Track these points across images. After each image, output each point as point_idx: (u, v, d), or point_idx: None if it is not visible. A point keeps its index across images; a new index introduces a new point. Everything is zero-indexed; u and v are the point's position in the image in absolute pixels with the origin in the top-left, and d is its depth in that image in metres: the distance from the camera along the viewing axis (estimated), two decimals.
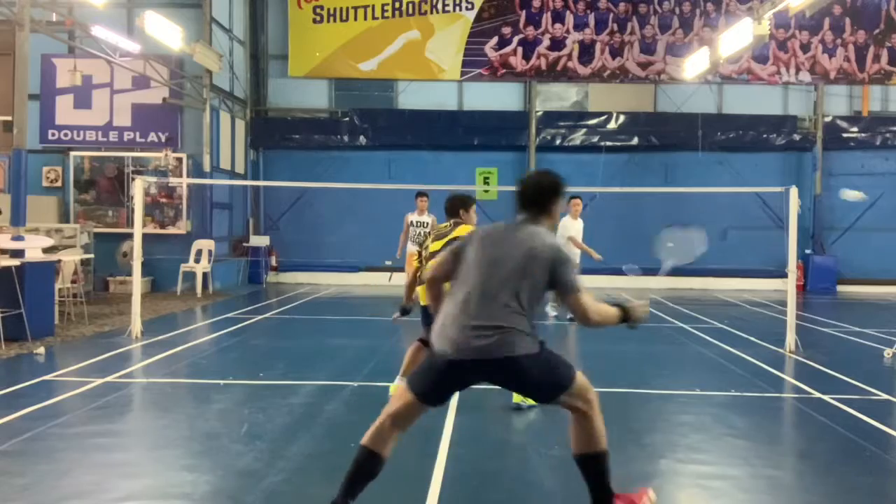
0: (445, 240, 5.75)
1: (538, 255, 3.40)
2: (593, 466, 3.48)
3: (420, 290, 5.78)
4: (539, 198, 3.58)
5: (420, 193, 11.65)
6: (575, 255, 11.15)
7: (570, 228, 11.17)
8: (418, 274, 5.87)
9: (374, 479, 3.45)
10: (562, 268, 3.40)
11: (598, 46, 18.09)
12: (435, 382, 3.46)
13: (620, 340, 9.91)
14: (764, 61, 18.01)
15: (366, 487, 3.42)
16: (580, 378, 3.45)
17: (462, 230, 5.75)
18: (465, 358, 3.34)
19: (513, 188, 3.65)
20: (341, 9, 18.12)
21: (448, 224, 6.03)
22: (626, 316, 3.47)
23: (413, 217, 11.83)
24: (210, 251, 14.64)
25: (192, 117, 15.38)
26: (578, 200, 11.49)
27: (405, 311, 5.94)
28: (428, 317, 5.65)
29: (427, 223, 11.61)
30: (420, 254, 6.02)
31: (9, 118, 13.91)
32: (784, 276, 9.42)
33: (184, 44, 13.38)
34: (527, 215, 3.56)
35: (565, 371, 3.43)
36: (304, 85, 18.45)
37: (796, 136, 18.03)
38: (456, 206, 6.09)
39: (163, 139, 15.26)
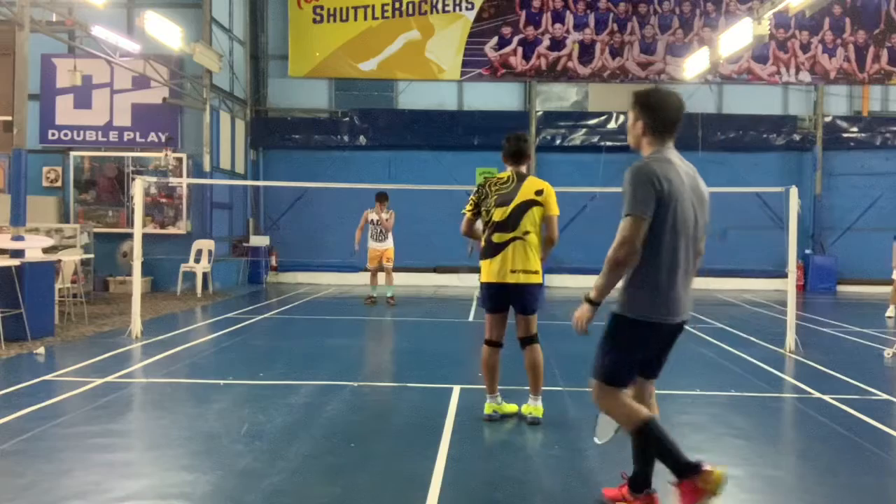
0: (514, 204, 5.01)
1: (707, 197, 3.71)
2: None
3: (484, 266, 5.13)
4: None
5: (381, 195, 12.43)
6: None
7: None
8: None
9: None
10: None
11: (598, 46, 18.09)
12: (661, 350, 3.61)
13: None
14: (764, 61, 18.01)
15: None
16: None
17: (535, 185, 5.06)
18: (685, 319, 3.58)
19: None
20: (341, 9, 18.12)
21: (509, 180, 5.15)
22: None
23: (372, 215, 12.62)
24: (210, 251, 14.63)
25: (192, 117, 15.37)
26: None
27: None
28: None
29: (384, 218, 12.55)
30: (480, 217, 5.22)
31: (9, 118, 13.91)
32: (784, 276, 9.42)
33: (184, 44, 13.39)
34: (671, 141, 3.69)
35: None
36: (304, 85, 18.45)
37: (796, 136, 18.02)
38: (524, 151, 5.21)
39: (163, 139, 15.24)
